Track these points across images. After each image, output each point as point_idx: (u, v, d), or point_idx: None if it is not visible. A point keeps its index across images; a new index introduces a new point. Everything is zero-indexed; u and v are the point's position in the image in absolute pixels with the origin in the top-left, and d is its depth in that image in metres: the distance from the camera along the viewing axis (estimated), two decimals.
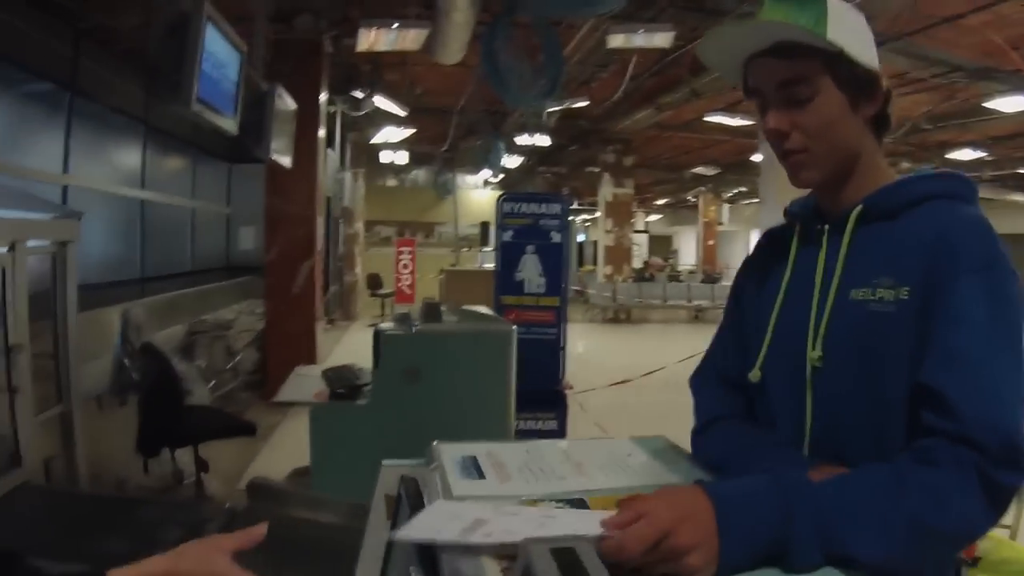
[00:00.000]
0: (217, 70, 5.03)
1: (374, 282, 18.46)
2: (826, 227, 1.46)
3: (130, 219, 8.42)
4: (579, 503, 1.15)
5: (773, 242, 1.63)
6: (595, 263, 20.99)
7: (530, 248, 6.33)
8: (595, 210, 21.79)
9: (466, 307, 4.86)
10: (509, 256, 6.38)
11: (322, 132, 9.73)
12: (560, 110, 12.48)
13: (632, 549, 0.99)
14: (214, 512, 3.64)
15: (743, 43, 1.41)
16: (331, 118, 11.86)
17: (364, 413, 4.13)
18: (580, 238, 29.81)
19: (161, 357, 5.23)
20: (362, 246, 18.73)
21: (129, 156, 8.40)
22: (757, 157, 13.40)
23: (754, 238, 6.96)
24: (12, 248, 3.84)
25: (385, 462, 1.52)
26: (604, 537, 0.99)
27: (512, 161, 17.15)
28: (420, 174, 21.89)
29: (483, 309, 5.00)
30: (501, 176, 20.32)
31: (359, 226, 18.48)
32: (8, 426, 3.85)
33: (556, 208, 6.36)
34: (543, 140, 14.12)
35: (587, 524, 1.02)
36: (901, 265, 1.31)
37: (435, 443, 1.42)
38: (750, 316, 1.58)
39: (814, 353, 1.39)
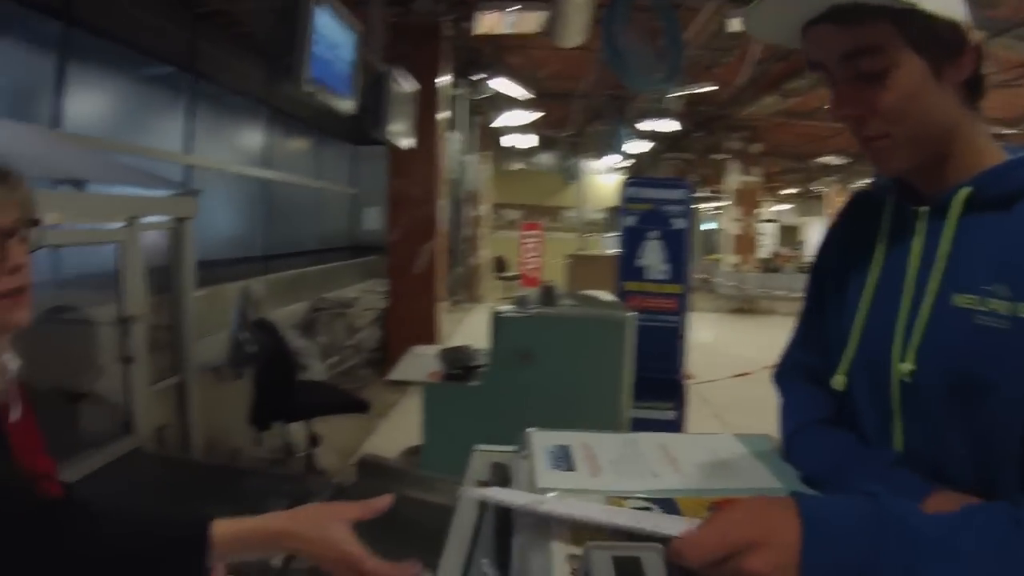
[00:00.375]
0: (330, 51, 5.12)
1: (499, 265, 18.61)
2: (925, 210, 1.20)
3: (255, 198, 8.63)
4: (668, 504, 1.09)
5: (861, 210, 1.36)
6: (722, 252, 20.62)
7: (653, 234, 6.22)
8: (723, 198, 21.38)
9: (586, 292, 4.82)
10: (632, 241, 6.29)
11: (443, 115, 9.78)
12: (686, 95, 12.27)
13: (693, 560, 0.88)
14: (321, 486, 3.73)
15: (793, 10, 1.15)
16: (455, 101, 11.92)
17: (476, 394, 4.14)
18: (708, 226, 29.32)
19: (275, 332, 5.36)
20: (488, 229, 18.83)
21: (252, 137, 8.61)
22: None
23: None
24: (129, 224, 3.99)
25: (478, 447, 1.49)
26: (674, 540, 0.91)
27: (639, 147, 16.95)
28: (547, 158, 21.88)
29: (604, 294, 4.95)
30: (628, 162, 20.13)
31: (485, 209, 18.58)
32: (122, 395, 4.02)
33: (679, 193, 6.25)
34: (669, 126, 13.90)
35: (668, 526, 0.96)
36: (1022, 273, 1.07)
37: (529, 430, 1.38)
38: (833, 305, 1.34)
39: (904, 366, 1.15)
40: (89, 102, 5.71)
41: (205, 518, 1.23)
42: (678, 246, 6.20)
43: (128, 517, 1.26)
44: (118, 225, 3.96)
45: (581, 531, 0.98)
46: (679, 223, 6.19)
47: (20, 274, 1.40)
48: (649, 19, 7.22)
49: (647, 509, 1.07)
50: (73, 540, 1.18)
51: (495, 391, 4.07)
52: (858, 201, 1.40)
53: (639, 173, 20.19)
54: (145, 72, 6.43)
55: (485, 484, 1.33)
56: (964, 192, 1.13)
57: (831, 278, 1.36)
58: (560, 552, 0.96)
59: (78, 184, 3.80)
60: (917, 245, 1.19)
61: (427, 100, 8.87)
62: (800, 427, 1.37)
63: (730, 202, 18.47)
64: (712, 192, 26.70)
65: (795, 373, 1.45)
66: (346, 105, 5.59)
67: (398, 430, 6.79)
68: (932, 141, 1.15)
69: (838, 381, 1.28)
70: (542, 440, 1.33)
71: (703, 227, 28.92)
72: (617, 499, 1.09)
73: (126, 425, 3.99)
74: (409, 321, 9.20)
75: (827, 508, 0.96)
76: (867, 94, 1.13)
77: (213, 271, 6.56)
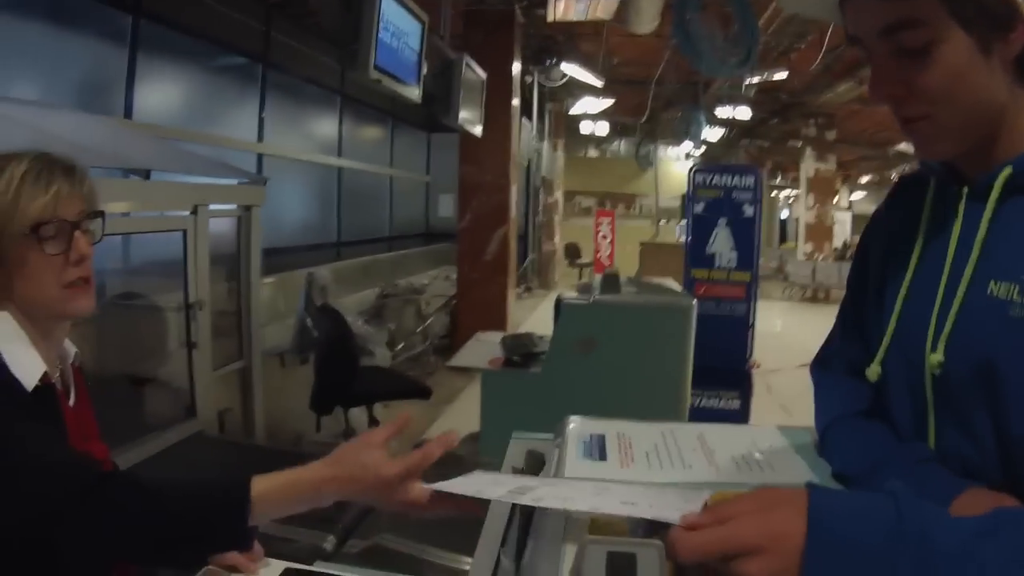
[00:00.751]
0: (397, 39, 5.13)
1: (572, 252, 18.52)
2: (964, 191, 1.11)
3: (328, 186, 8.72)
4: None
5: (906, 194, 1.26)
6: (796, 240, 20.25)
7: (722, 221, 6.18)
8: (797, 186, 21.01)
9: (650, 279, 4.78)
10: (701, 229, 6.26)
11: (516, 102, 9.72)
12: (760, 82, 12.09)
13: (686, 558, 0.81)
14: None
15: None
16: (528, 88, 11.90)
17: (536, 381, 4.12)
18: (784, 214, 28.87)
19: (339, 318, 5.40)
20: (561, 216, 18.79)
21: (325, 125, 8.69)
22: None
23: None
24: (195, 212, 4.06)
25: (515, 434, 1.46)
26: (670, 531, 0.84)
27: (713, 134, 16.77)
28: (621, 145, 21.73)
29: (669, 282, 4.89)
30: (703, 149, 19.90)
31: (558, 196, 18.52)
32: (186, 379, 4.10)
33: (749, 180, 6.18)
34: (744, 113, 13.72)
35: (666, 510, 0.89)
36: None
37: (569, 417, 1.36)
38: (874, 294, 1.26)
39: (934, 357, 1.07)
40: (162, 93, 5.83)
41: (244, 478, 1.24)
42: (747, 234, 6.13)
43: (172, 485, 1.29)
44: (184, 213, 4.04)
45: (599, 520, 0.95)
46: (748, 211, 6.12)
47: (84, 265, 1.48)
48: (721, 4, 7.11)
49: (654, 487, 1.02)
50: (126, 513, 1.23)
51: (554, 379, 4.04)
52: (904, 185, 1.30)
53: (714, 160, 19.95)
54: (219, 62, 6.54)
55: (520, 471, 1.31)
56: (1005, 173, 1.04)
57: (874, 265, 1.29)
58: (569, 544, 0.92)
59: (146, 174, 3.87)
60: (956, 230, 1.10)
61: (499, 87, 8.79)
62: (835, 420, 1.29)
63: (804, 190, 18.12)
64: (788, 180, 26.33)
65: (833, 364, 1.38)
66: (412, 93, 5.59)
67: (463, 416, 6.79)
68: (978, 123, 1.06)
69: (872, 371, 1.20)
70: (580, 428, 1.32)
71: (781, 215, 28.54)
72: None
73: (189, 409, 4.08)
74: (478, 308, 9.17)
75: (838, 509, 0.85)
76: (908, 72, 1.04)
77: (287, 258, 6.65)
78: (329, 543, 2.95)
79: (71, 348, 1.64)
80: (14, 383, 1.37)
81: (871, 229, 1.33)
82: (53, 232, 1.42)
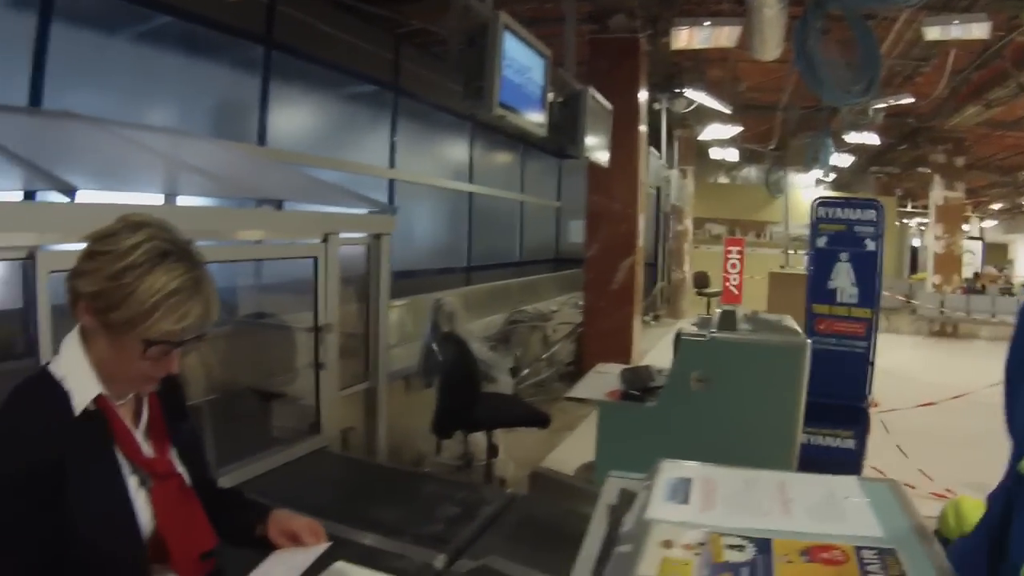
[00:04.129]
0: (520, 75, 5.25)
1: (700, 280, 18.30)
2: None
3: (458, 211, 8.86)
4: (763, 544, 1.10)
5: None
6: (926, 271, 19.50)
7: (843, 255, 6.07)
8: (927, 214, 20.24)
9: (767, 316, 4.77)
10: (822, 263, 6.15)
11: (643, 129, 9.74)
12: (887, 107, 11.83)
13: None
14: (493, 496, 3.85)
15: None
16: (655, 115, 11.89)
17: (650, 415, 4.18)
18: (915, 242, 27.83)
19: (463, 346, 5.55)
20: (691, 243, 18.63)
21: (456, 151, 8.83)
22: None
23: None
24: (325, 240, 4.26)
25: (611, 473, 1.56)
26: None
27: (843, 160, 16.43)
28: (751, 172, 21.43)
29: (787, 320, 4.87)
30: (832, 176, 19.48)
31: (688, 223, 18.38)
32: (313, 397, 4.29)
33: (871, 214, 6.06)
34: (872, 139, 13.44)
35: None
36: None
37: (662, 460, 1.43)
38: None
39: None
40: (295, 120, 6.05)
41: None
42: (869, 269, 6.01)
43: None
44: (315, 241, 4.25)
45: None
46: (871, 245, 6.00)
47: (165, 369, 1.64)
48: (843, 30, 7.05)
49: None
50: None
51: (669, 412, 4.10)
52: None
53: (844, 187, 19.50)
54: (350, 90, 6.77)
55: (615, 508, 1.40)
56: None
57: None
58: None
59: (278, 203, 4.07)
60: None
61: (626, 115, 8.86)
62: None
63: (932, 219, 17.51)
64: (919, 207, 25.44)
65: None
66: (538, 126, 5.71)
67: (581, 445, 6.81)
68: None
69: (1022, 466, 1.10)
70: (669, 471, 1.39)
71: (911, 243, 27.57)
72: (716, 535, 1.13)
73: (314, 425, 4.26)
74: (604, 336, 9.19)
75: None
76: None
77: (418, 281, 6.82)
78: (439, 561, 3.01)
79: None
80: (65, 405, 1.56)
81: None
82: (160, 352, 1.59)
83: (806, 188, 20.70)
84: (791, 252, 19.99)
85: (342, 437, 4.55)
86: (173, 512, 1.71)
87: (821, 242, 6.12)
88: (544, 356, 8.81)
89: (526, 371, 8.16)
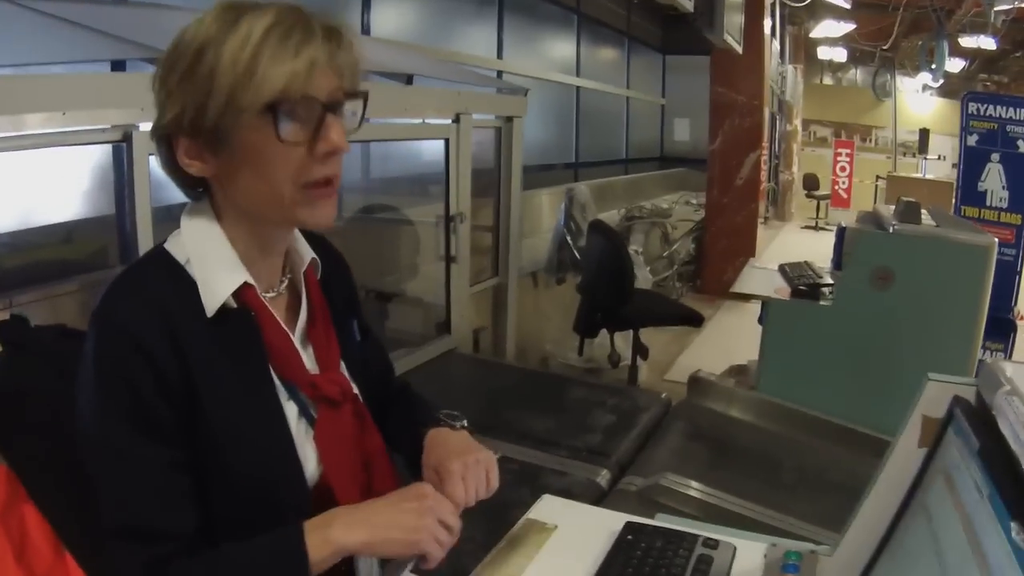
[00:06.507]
0: None
1: (810, 183, 17.63)
2: None
3: (565, 106, 8.58)
4: None
5: None
6: None
7: (995, 156, 5.58)
8: None
9: (943, 209, 4.35)
10: (972, 163, 5.68)
11: (768, 21, 9.30)
12: (1010, 8, 10.99)
13: None
14: (648, 401, 3.55)
15: None
16: (771, 9, 11.35)
17: (825, 315, 3.82)
18: None
19: (612, 236, 5.08)
20: (799, 144, 17.93)
21: (563, 45, 8.53)
22: None
23: None
24: (457, 120, 3.89)
25: (932, 375, 1.16)
26: None
27: (953, 65, 15.49)
28: (857, 74, 20.47)
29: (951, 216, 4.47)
30: (940, 82, 18.56)
31: (797, 123, 17.65)
32: (442, 296, 4.00)
33: None
34: (988, 43, 12.57)
35: None
36: None
37: (990, 361, 1.05)
38: None
39: None
40: (399, 12, 5.80)
41: (300, 549, 1.07)
42: (1020, 171, 5.51)
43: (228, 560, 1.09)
44: (446, 121, 3.88)
45: None
46: (1023, 147, 5.50)
47: (332, 162, 1.11)
48: None
49: None
50: None
51: (846, 312, 3.72)
52: None
53: (951, 95, 18.57)
54: None
55: (940, 422, 1.06)
56: None
57: None
58: None
59: (407, 79, 3.70)
60: None
61: (752, 5, 8.44)
62: None
63: None
64: None
65: None
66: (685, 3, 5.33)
67: (712, 346, 6.49)
68: None
69: None
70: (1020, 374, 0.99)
71: None
72: None
73: (442, 325, 3.99)
74: (727, 234, 8.87)
75: None
76: None
77: (526, 176, 6.53)
78: (603, 479, 2.77)
79: (307, 253, 1.28)
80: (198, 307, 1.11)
81: None
82: (298, 113, 1.06)
83: (913, 93, 19.80)
84: (901, 157, 19.22)
85: (474, 338, 4.23)
86: (347, 454, 1.25)
87: (971, 140, 5.65)
88: (665, 254, 8.42)
89: (647, 268, 7.78)
